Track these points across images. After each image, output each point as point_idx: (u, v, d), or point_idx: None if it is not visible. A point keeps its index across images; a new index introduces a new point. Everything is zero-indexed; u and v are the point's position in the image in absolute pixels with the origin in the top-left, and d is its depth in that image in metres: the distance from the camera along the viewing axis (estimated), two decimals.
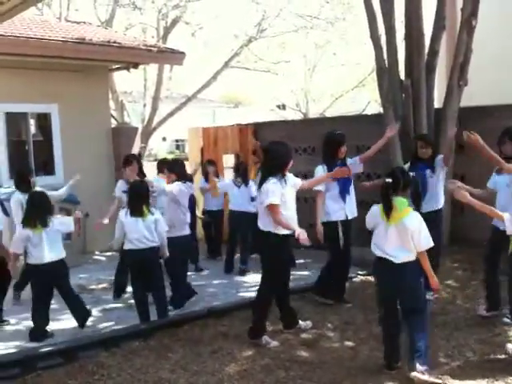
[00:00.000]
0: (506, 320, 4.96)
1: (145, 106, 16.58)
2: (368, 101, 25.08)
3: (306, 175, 8.94)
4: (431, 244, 4.00)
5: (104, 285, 6.87)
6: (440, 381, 3.90)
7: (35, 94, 8.82)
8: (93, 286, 6.86)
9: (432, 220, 4.93)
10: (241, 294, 6.31)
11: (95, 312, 5.69)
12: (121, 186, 6.32)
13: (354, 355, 4.51)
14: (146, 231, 5.15)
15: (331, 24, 17.21)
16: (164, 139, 33.02)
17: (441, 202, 5.79)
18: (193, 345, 4.80)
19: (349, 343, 4.76)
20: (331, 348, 4.68)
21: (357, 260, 6.25)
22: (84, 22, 11.09)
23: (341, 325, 5.16)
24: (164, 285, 5.42)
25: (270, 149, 4.86)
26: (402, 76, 7.61)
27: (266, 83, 24.68)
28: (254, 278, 6.92)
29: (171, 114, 16.43)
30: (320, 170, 5.70)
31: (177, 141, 35.43)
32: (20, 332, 5.23)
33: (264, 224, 4.75)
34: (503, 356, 4.18)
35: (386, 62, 7.52)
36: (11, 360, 4.37)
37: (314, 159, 8.85)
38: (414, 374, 3.87)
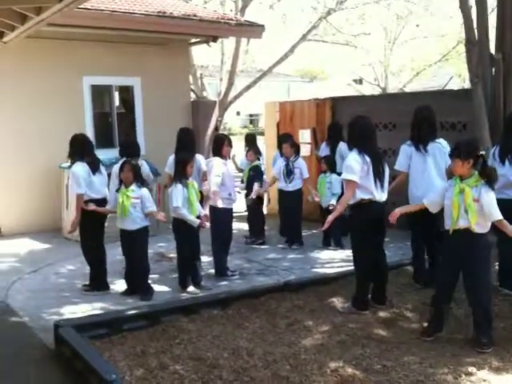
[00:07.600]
0: None
1: (221, 80, 16.66)
2: (450, 76, 24.01)
3: (385, 151, 8.75)
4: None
5: None
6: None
7: (119, 67, 9.08)
8: (172, 255, 7.08)
9: None
10: (315, 270, 6.32)
11: (174, 279, 5.88)
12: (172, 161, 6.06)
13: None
14: None
15: None
16: (238, 113, 33.29)
17: None
18: (269, 316, 4.87)
19: None
20: (409, 328, 4.60)
21: None
22: None
23: (420, 306, 5.06)
24: None
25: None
26: (493, 50, 7.21)
27: (343, 57, 24.16)
28: (328, 255, 6.92)
29: (247, 88, 16.42)
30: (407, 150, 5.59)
31: (251, 115, 35.60)
32: (107, 295, 5.60)
33: None
34: None
35: (476, 34, 7.14)
36: (100, 321, 4.62)
37: (395, 135, 8.63)
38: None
